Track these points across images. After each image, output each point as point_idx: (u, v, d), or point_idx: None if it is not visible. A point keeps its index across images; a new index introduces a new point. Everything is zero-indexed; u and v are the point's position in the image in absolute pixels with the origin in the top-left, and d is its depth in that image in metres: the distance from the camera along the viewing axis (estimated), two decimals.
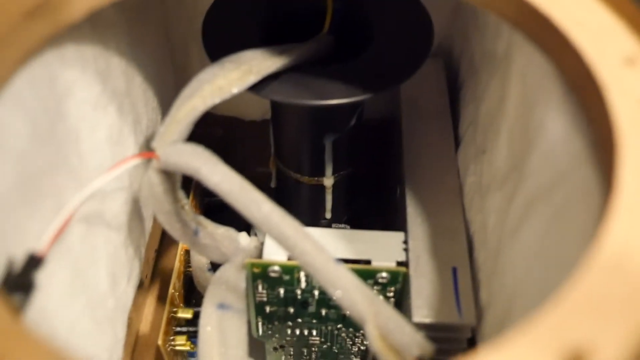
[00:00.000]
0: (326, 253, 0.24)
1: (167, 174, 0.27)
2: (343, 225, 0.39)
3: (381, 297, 0.30)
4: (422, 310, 0.29)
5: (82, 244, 0.25)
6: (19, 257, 0.20)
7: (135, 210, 0.31)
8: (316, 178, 0.37)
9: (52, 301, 0.22)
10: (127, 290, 0.31)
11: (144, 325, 0.36)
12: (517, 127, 0.25)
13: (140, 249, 0.33)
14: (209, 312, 0.29)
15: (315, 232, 0.32)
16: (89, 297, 0.26)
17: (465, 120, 0.36)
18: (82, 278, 0.25)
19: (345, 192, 0.39)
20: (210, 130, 0.44)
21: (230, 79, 0.27)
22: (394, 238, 0.32)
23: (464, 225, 0.32)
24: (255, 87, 0.28)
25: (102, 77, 0.26)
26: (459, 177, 0.35)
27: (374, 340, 0.23)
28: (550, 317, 0.15)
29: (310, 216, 0.40)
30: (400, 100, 0.39)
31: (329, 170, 0.36)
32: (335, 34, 0.32)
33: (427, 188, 0.34)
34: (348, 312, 0.24)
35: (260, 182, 0.42)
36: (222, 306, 0.30)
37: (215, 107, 0.27)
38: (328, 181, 0.37)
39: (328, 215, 0.39)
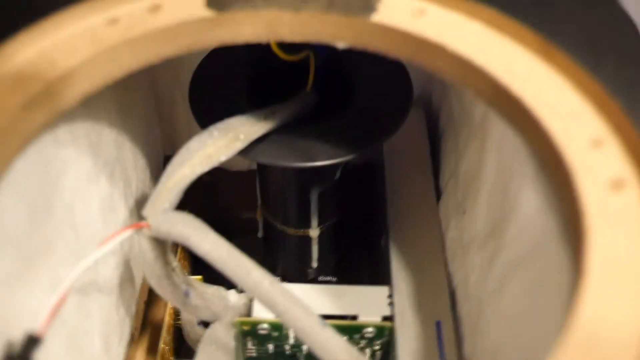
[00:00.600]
0: (315, 318, 0.25)
1: (158, 241, 0.27)
2: (329, 278, 0.39)
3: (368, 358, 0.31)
4: None
5: (76, 314, 0.26)
6: (17, 337, 0.21)
7: (126, 271, 0.31)
8: (302, 229, 0.38)
9: None
10: (119, 349, 0.32)
11: None
12: (495, 194, 0.27)
13: (131, 307, 0.33)
14: None
15: (302, 288, 0.33)
16: None
17: (446, 171, 0.37)
18: (78, 347, 0.26)
19: (331, 241, 0.40)
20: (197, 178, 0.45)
21: (218, 147, 0.28)
22: (379, 293, 0.33)
23: (447, 278, 0.33)
24: (243, 150, 0.29)
25: (94, 149, 0.27)
26: (440, 228, 0.36)
27: None
28: None
29: (297, 265, 0.41)
30: (382, 148, 0.40)
31: (314, 222, 0.37)
32: (318, 89, 0.33)
33: (410, 240, 0.35)
34: None
35: (246, 228, 0.43)
36: None
37: None
38: (314, 232, 0.38)
39: (315, 264, 0.40)
